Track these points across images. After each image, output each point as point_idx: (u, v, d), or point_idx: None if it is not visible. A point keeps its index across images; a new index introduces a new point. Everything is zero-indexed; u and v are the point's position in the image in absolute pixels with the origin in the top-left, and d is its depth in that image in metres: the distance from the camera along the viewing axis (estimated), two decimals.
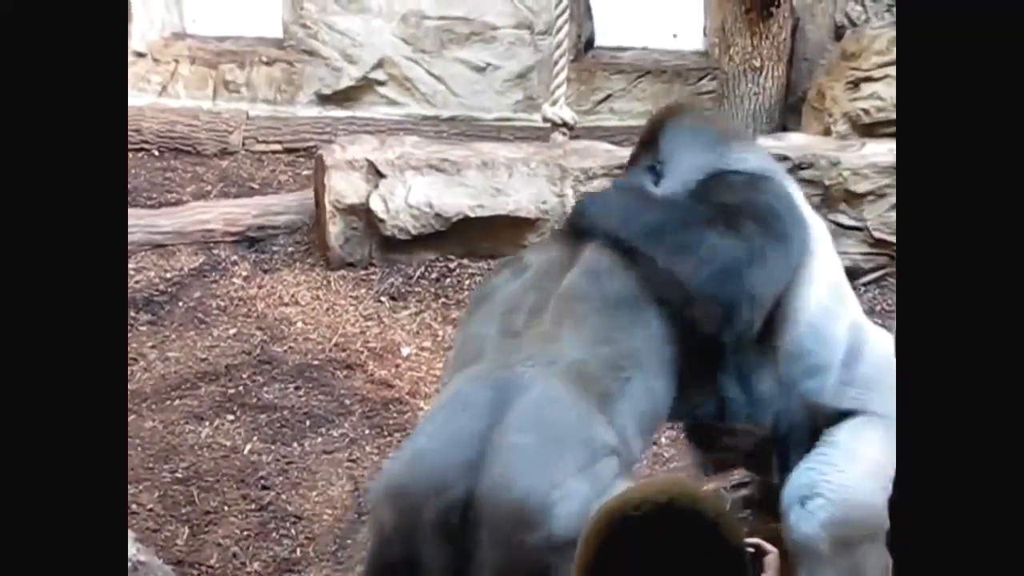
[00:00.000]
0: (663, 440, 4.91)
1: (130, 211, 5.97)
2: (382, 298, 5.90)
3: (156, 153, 7.30)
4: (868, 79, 6.33)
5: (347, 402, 5.21)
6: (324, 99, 7.69)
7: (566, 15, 6.34)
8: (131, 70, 7.49)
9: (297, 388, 5.29)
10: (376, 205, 6.02)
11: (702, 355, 3.51)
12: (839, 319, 3.61)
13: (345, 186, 6.07)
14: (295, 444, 4.98)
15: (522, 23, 7.55)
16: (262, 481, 4.77)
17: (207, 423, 5.07)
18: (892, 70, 6.24)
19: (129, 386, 5.17)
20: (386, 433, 5.03)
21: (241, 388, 5.29)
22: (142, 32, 7.62)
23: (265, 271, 6.11)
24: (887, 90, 6.24)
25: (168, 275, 6.07)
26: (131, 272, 5.95)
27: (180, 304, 5.85)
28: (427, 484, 3.12)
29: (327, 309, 5.82)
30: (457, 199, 6.03)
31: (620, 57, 7.69)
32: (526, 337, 3.40)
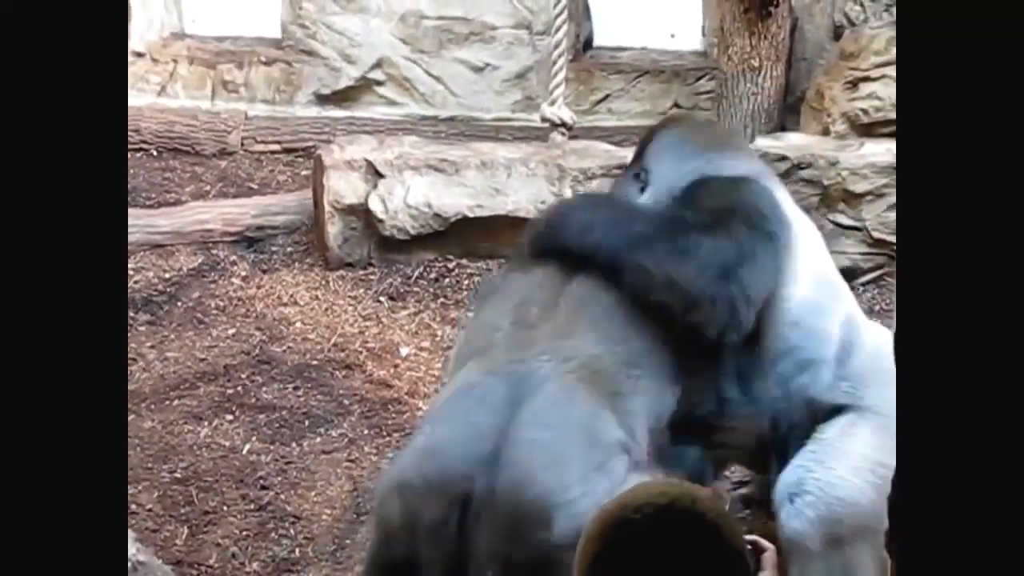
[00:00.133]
0: None
1: (129, 211, 5.97)
2: (381, 298, 5.90)
3: (155, 153, 7.30)
4: (867, 79, 6.33)
5: (346, 402, 5.21)
6: (323, 99, 7.69)
7: (565, 15, 6.33)
8: (130, 70, 7.49)
9: (296, 388, 5.29)
10: (375, 205, 6.02)
11: (700, 356, 3.52)
12: (829, 315, 3.63)
13: (344, 186, 6.07)
14: (294, 444, 4.97)
15: (521, 23, 7.55)
16: (261, 481, 4.77)
17: (206, 423, 5.07)
18: (891, 70, 6.24)
19: (128, 386, 5.16)
20: (385, 433, 5.03)
21: (240, 388, 5.29)
22: (141, 32, 7.62)
23: (264, 271, 6.11)
24: (886, 90, 6.24)
25: (167, 275, 6.07)
26: (130, 272, 5.95)
27: (179, 304, 5.85)
28: (443, 476, 3.12)
29: (326, 309, 5.82)
30: (456, 199, 6.03)
31: (619, 57, 7.69)
32: (540, 330, 3.41)
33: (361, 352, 5.51)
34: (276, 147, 7.40)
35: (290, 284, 5.99)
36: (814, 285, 3.62)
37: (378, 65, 7.64)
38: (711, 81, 7.23)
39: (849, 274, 5.90)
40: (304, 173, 6.97)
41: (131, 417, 4.99)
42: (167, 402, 5.20)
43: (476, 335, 3.56)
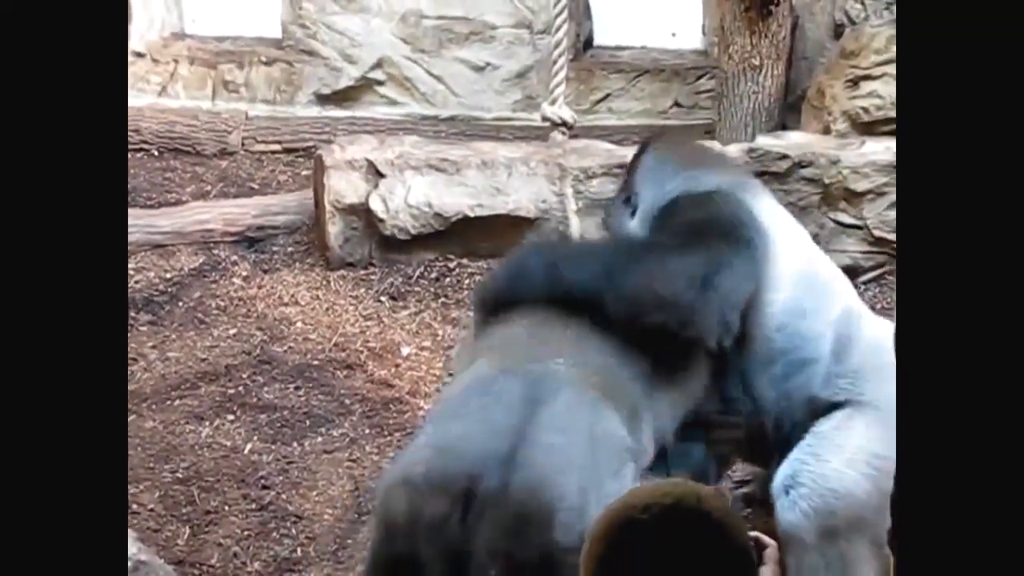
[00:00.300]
0: None
1: (130, 211, 5.97)
2: (382, 298, 5.90)
3: (155, 153, 7.30)
4: (867, 77, 6.33)
5: (347, 402, 5.21)
6: (323, 99, 7.69)
7: (565, 14, 6.33)
8: (130, 70, 7.49)
9: (297, 388, 5.29)
10: (376, 205, 6.02)
11: (699, 361, 3.57)
12: (816, 315, 3.66)
13: (344, 186, 6.07)
14: (295, 444, 4.98)
15: (521, 22, 7.55)
16: (262, 481, 4.77)
17: (207, 423, 5.07)
18: (891, 68, 6.24)
19: (129, 386, 5.17)
20: (386, 433, 5.03)
21: (241, 388, 5.29)
22: (141, 32, 7.62)
23: (265, 271, 6.11)
24: (886, 88, 6.24)
25: (168, 275, 6.07)
26: (131, 272, 5.95)
27: (180, 304, 5.85)
28: (451, 472, 3.14)
29: (327, 309, 5.82)
30: (457, 199, 6.03)
31: (619, 56, 7.69)
32: (555, 337, 3.45)
33: (362, 352, 5.51)
34: (277, 147, 7.40)
35: (291, 284, 5.99)
36: (798, 288, 3.66)
37: (379, 65, 7.64)
38: (712, 80, 7.22)
39: (850, 272, 5.89)
40: (305, 173, 6.97)
41: (132, 417, 4.99)
42: (168, 402, 5.20)
43: (488, 337, 3.58)
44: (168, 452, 4.90)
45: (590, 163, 6.05)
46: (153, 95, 7.69)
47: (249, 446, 4.95)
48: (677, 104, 7.51)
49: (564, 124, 6.45)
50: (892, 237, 5.82)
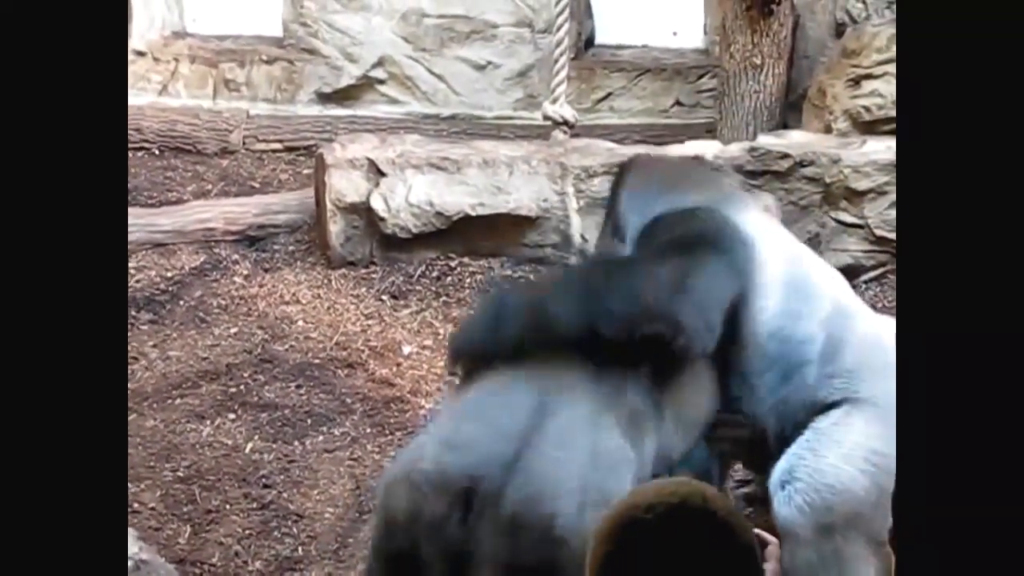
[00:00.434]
0: None
1: (131, 210, 5.97)
2: (383, 297, 5.90)
3: (156, 152, 7.30)
4: (869, 76, 6.33)
5: (348, 401, 5.21)
6: (324, 98, 7.69)
7: (566, 13, 6.33)
8: (131, 69, 7.49)
9: (298, 387, 5.29)
10: (377, 204, 6.02)
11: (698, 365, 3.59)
12: (806, 319, 3.68)
13: (346, 185, 6.07)
14: (296, 443, 4.98)
15: (522, 21, 7.55)
16: (263, 480, 4.77)
17: (208, 422, 5.07)
18: (892, 67, 6.23)
19: (130, 385, 5.17)
20: (387, 432, 5.03)
21: (242, 387, 5.29)
22: (142, 31, 7.62)
23: (266, 270, 6.11)
24: (887, 87, 6.23)
25: (169, 274, 6.07)
26: (132, 271, 5.95)
27: (181, 303, 5.85)
28: (453, 472, 3.17)
29: (328, 308, 5.82)
30: (458, 197, 6.03)
31: (620, 55, 7.69)
32: (553, 371, 3.46)
33: (363, 351, 5.51)
34: (278, 146, 7.40)
35: (292, 283, 5.99)
36: (787, 293, 3.68)
37: (380, 63, 7.64)
38: (713, 79, 7.22)
39: (851, 271, 5.91)
40: (306, 172, 6.97)
41: (133, 416, 4.99)
42: (169, 401, 5.20)
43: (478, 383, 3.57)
44: (169, 451, 4.90)
45: (591, 162, 6.05)
46: (154, 94, 7.69)
47: (250, 445, 4.95)
48: (678, 103, 7.51)
49: (565, 123, 6.45)
50: (893, 236, 5.82)
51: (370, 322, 5.71)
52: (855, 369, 3.64)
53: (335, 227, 6.07)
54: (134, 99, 7.23)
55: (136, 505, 4.57)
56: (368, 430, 5.05)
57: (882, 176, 5.85)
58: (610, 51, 7.73)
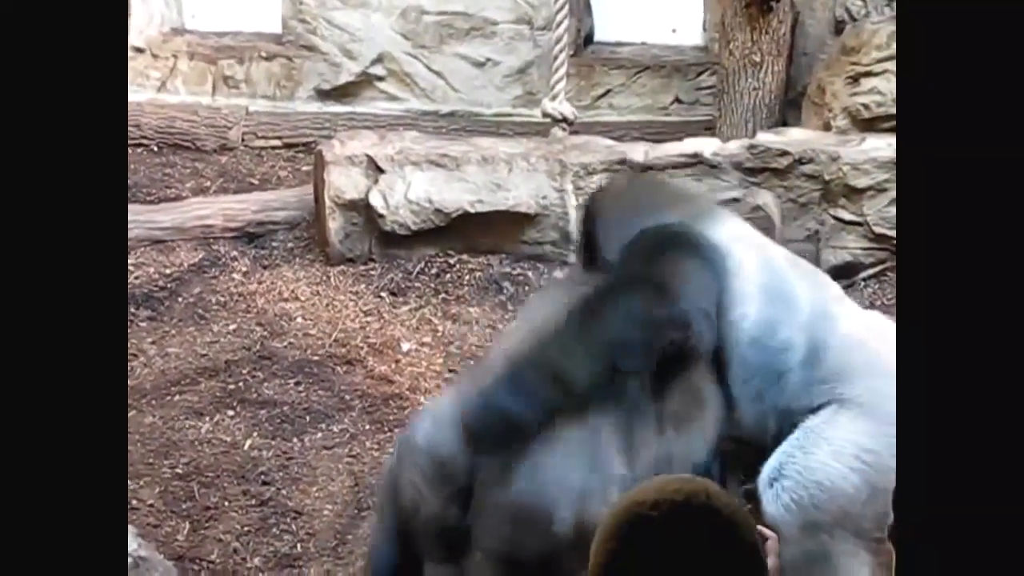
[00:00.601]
0: None
1: (129, 207, 5.96)
2: (382, 293, 5.90)
3: (155, 149, 7.30)
4: (868, 74, 6.33)
5: (347, 397, 5.21)
6: (323, 94, 7.68)
7: (565, 10, 6.34)
8: (130, 66, 7.48)
9: (297, 384, 5.29)
10: (376, 200, 6.02)
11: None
12: (786, 325, 3.68)
13: (345, 182, 6.06)
14: (295, 440, 4.97)
15: (521, 18, 7.54)
16: (262, 477, 4.77)
17: (207, 419, 5.07)
18: (892, 65, 6.24)
19: (129, 382, 5.16)
20: (386, 428, 5.03)
21: (241, 384, 5.29)
22: (141, 28, 7.61)
23: (265, 267, 6.10)
24: (887, 85, 6.24)
25: (167, 271, 6.06)
26: (131, 268, 5.94)
27: (180, 300, 5.85)
28: (463, 460, 3.26)
29: (327, 305, 5.82)
30: (457, 194, 6.03)
31: (619, 52, 7.68)
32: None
33: (362, 347, 5.51)
34: (277, 142, 7.39)
35: (291, 280, 5.99)
36: (766, 301, 3.68)
37: (379, 60, 7.63)
38: (712, 76, 7.22)
39: (850, 269, 5.91)
40: (305, 168, 6.97)
41: (132, 413, 4.99)
42: (168, 398, 5.20)
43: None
44: (168, 448, 4.90)
45: (590, 159, 6.05)
46: (152, 90, 7.68)
47: (249, 442, 4.95)
48: (678, 100, 7.50)
49: (564, 120, 6.46)
50: (892, 233, 5.82)
51: (369, 319, 5.71)
52: (838, 372, 3.65)
53: (334, 224, 6.07)
54: (133, 95, 7.22)
55: (135, 502, 4.57)
56: (367, 427, 5.05)
57: (881, 173, 5.85)
58: (609, 48, 7.72)
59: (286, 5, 7.64)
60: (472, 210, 6.03)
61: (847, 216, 5.92)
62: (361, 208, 6.06)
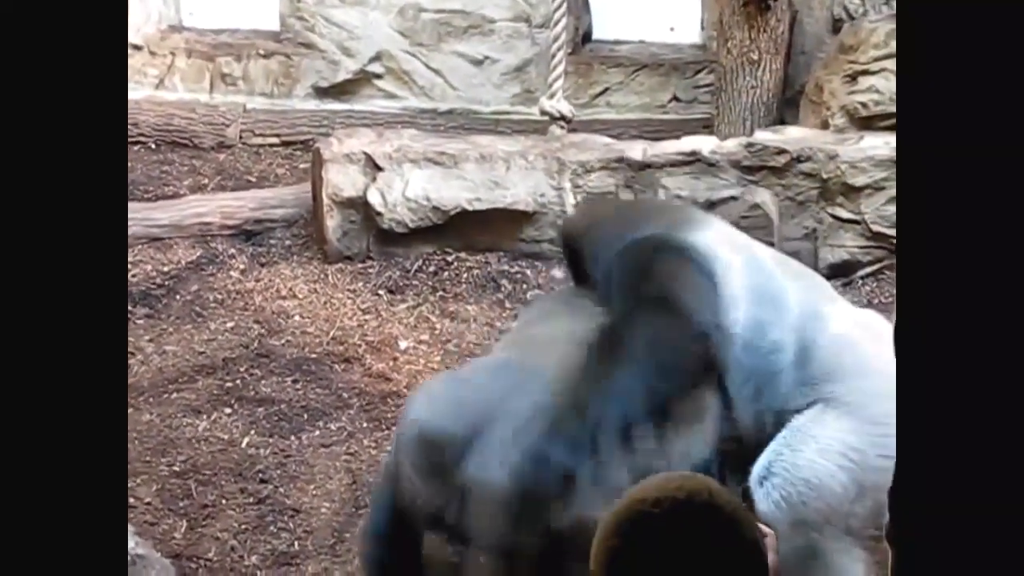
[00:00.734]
0: None
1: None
2: (380, 291, 5.90)
3: (153, 146, 7.30)
4: (866, 72, 6.33)
5: (345, 395, 5.21)
6: (321, 92, 7.68)
7: (563, 8, 6.33)
8: (128, 63, 7.48)
9: (295, 381, 5.29)
10: (374, 198, 6.02)
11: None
12: (775, 327, 3.68)
13: (343, 179, 6.06)
14: (293, 437, 4.97)
15: (520, 16, 7.54)
16: (260, 474, 4.77)
17: (205, 416, 5.07)
18: (890, 63, 6.24)
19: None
20: (384, 426, 5.03)
21: (239, 381, 5.28)
22: (138, 25, 7.61)
23: (262, 264, 6.10)
24: (885, 83, 6.24)
25: (165, 268, 6.06)
26: (128, 266, 5.94)
27: (177, 297, 5.85)
28: (437, 435, 3.38)
29: (325, 302, 5.81)
30: (455, 192, 6.03)
31: (618, 50, 7.68)
32: (564, 343, 3.58)
33: (360, 345, 5.50)
34: (275, 140, 7.39)
35: (289, 277, 5.99)
36: (755, 303, 3.68)
37: (377, 58, 7.63)
38: (710, 74, 7.22)
39: (848, 268, 5.92)
40: (303, 166, 6.97)
41: (130, 410, 4.98)
42: (165, 395, 5.19)
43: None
44: (165, 445, 4.90)
45: (588, 157, 6.05)
46: (150, 88, 7.69)
47: (246, 440, 4.95)
48: (675, 98, 7.51)
49: (562, 118, 6.45)
50: (890, 232, 5.83)
51: (367, 317, 5.71)
52: (827, 372, 3.66)
53: (332, 222, 6.07)
54: (131, 93, 7.22)
55: (132, 500, 4.56)
56: (364, 425, 5.05)
57: (879, 172, 5.85)
58: (607, 46, 7.72)
59: (284, 3, 7.65)
60: (470, 208, 6.03)
61: (845, 214, 5.92)
62: (359, 206, 6.06)
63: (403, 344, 5.52)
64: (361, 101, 7.65)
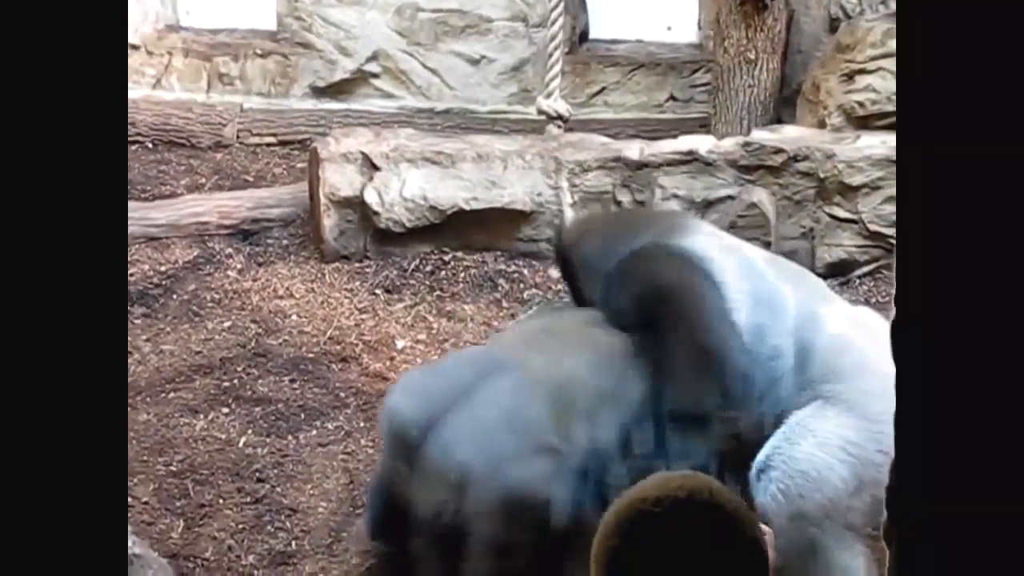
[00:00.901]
0: None
1: None
2: (377, 291, 5.90)
3: (150, 146, 7.29)
4: (863, 71, 6.33)
5: (342, 395, 5.21)
6: (318, 91, 7.68)
7: (561, 7, 6.33)
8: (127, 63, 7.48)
9: (292, 381, 5.29)
10: (371, 198, 6.02)
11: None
12: (774, 332, 3.69)
13: (340, 179, 6.06)
14: (290, 437, 4.97)
15: (517, 15, 7.54)
16: (257, 474, 4.77)
17: (202, 416, 5.07)
18: (886, 62, 6.25)
19: None
20: None
21: (236, 381, 5.28)
22: (136, 24, 7.61)
23: (259, 264, 6.10)
24: (882, 82, 6.24)
25: (162, 268, 6.06)
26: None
27: (174, 297, 5.84)
28: (403, 419, 3.55)
29: (322, 302, 5.81)
30: (452, 192, 6.03)
31: (615, 50, 7.69)
32: (538, 341, 3.71)
33: (357, 345, 5.50)
34: (272, 140, 7.40)
35: (286, 277, 5.99)
36: (754, 307, 3.69)
37: (374, 58, 7.63)
38: (707, 74, 7.23)
39: (845, 267, 5.92)
40: (300, 166, 6.97)
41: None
42: (163, 395, 5.19)
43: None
44: (162, 445, 4.90)
45: (585, 156, 6.05)
46: (148, 87, 7.69)
47: (244, 439, 4.95)
48: (672, 98, 7.51)
49: (560, 117, 6.46)
50: (887, 231, 5.83)
51: (364, 316, 5.71)
52: (826, 373, 3.67)
53: (329, 221, 6.07)
54: (128, 92, 7.22)
55: (129, 499, 4.56)
56: (362, 424, 5.05)
57: (876, 171, 5.86)
58: (604, 45, 7.73)
59: (281, 2, 7.65)
60: (467, 207, 6.03)
61: (842, 214, 5.92)
62: (356, 205, 6.06)
63: (400, 343, 5.52)
64: (358, 101, 7.65)
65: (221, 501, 4.64)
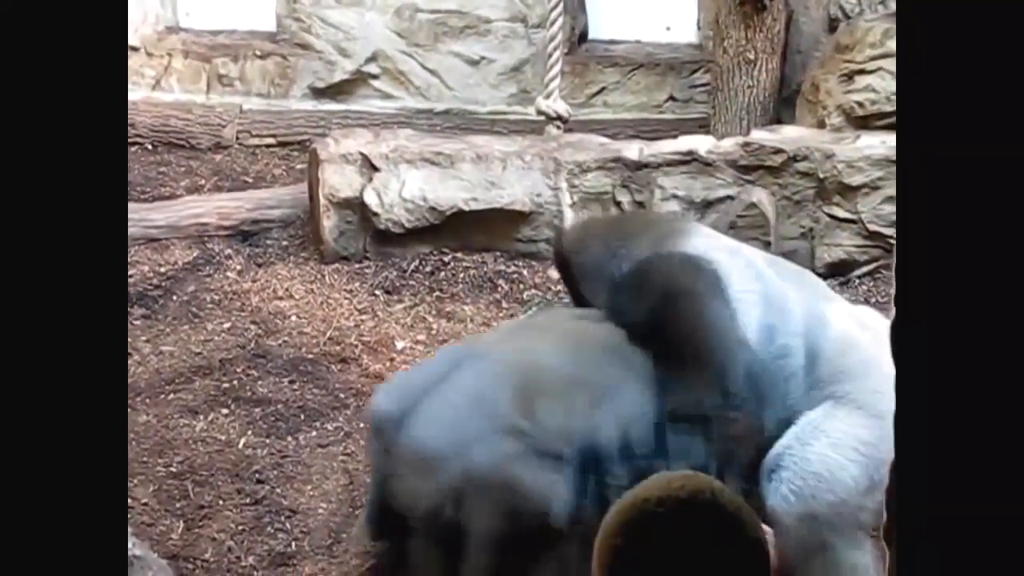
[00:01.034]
0: None
1: None
2: (376, 292, 5.90)
3: (150, 147, 7.30)
4: (862, 71, 6.33)
5: (341, 396, 5.21)
6: (318, 93, 7.69)
7: (560, 8, 6.34)
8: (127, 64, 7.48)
9: (291, 382, 5.29)
10: (370, 199, 6.02)
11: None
12: (783, 333, 3.68)
13: (339, 180, 6.06)
14: (290, 438, 4.97)
15: (516, 16, 7.55)
16: (257, 475, 4.77)
17: (201, 417, 5.06)
18: (886, 63, 6.25)
19: None
20: None
21: (235, 382, 5.28)
22: (135, 26, 7.61)
23: (259, 265, 6.10)
24: (881, 82, 6.24)
25: (162, 269, 6.06)
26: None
27: (174, 298, 5.84)
28: (381, 411, 3.64)
29: (321, 303, 5.81)
30: (451, 192, 6.03)
31: (614, 50, 7.69)
32: (515, 334, 3.81)
33: (357, 346, 5.50)
34: (271, 141, 7.40)
35: (285, 278, 5.99)
36: (762, 309, 3.68)
37: (373, 58, 7.63)
38: (706, 74, 7.23)
39: (845, 267, 5.92)
40: (299, 167, 6.97)
41: None
42: (162, 396, 5.19)
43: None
44: (162, 446, 4.90)
45: (585, 157, 6.05)
46: (147, 89, 7.69)
47: (243, 440, 4.95)
48: (672, 98, 7.51)
49: (559, 118, 6.46)
50: (886, 231, 5.83)
51: (363, 317, 5.71)
52: (834, 373, 3.67)
53: (328, 222, 6.07)
54: (128, 94, 7.22)
55: (129, 500, 4.56)
56: (361, 425, 5.04)
57: (875, 171, 5.86)
58: (603, 46, 7.73)
59: (280, 3, 7.65)
60: (466, 208, 6.03)
61: (841, 214, 5.92)
62: (355, 206, 6.06)
63: (400, 344, 5.52)
64: (357, 101, 7.65)
65: (221, 502, 4.64)
